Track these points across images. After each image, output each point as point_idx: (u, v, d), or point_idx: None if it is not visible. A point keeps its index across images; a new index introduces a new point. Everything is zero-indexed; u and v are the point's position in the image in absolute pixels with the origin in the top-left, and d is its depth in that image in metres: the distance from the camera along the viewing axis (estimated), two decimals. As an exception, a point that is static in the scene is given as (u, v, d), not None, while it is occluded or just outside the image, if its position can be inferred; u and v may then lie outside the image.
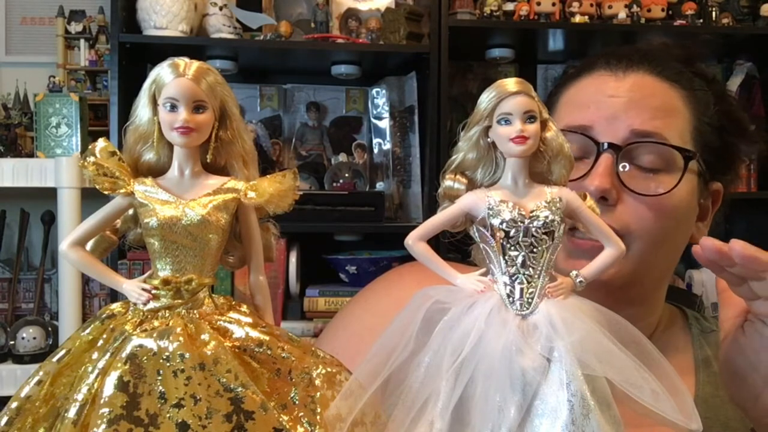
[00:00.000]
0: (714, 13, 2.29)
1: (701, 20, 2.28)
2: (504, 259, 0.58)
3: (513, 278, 0.58)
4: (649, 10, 2.23)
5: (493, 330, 0.55)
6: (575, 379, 0.53)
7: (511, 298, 0.57)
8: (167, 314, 0.56)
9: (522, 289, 0.57)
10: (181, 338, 0.54)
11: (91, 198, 1.87)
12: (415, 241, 0.59)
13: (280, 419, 0.54)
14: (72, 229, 0.59)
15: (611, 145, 0.85)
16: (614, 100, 0.89)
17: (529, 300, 0.57)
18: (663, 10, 2.23)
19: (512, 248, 0.58)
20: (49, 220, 2.21)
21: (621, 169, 0.86)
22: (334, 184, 2.27)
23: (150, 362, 0.54)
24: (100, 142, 0.58)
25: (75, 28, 2.35)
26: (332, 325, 1.05)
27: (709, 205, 0.95)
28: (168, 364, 0.54)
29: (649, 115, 0.88)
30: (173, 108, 0.56)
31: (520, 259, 0.58)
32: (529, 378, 0.54)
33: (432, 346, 0.56)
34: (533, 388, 0.54)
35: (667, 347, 0.93)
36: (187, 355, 0.54)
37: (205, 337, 0.55)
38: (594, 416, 0.53)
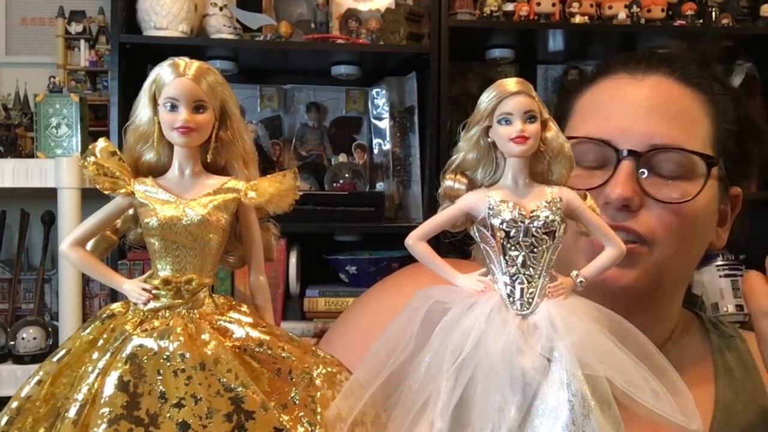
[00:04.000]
0: (714, 14, 2.29)
1: (701, 20, 2.27)
2: (504, 259, 0.58)
3: (513, 278, 0.58)
4: (648, 11, 2.22)
5: (493, 330, 0.55)
6: (575, 379, 0.53)
7: (511, 298, 0.57)
8: (167, 314, 0.56)
9: (522, 289, 0.57)
10: (181, 338, 0.54)
11: (91, 198, 1.87)
12: (415, 241, 0.59)
13: (281, 419, 0.54)
14: (72, 230, 0.59)
15: (631, 152, 0.84)
16: (634, 108, 0.87)
17: (530, 300, 0.57)
18: (663, 10, 2.23)
19: (512, 248, 0.58)
20: (50, 220, 2.21)
21: (641, 176, 0.84)
22: (334, 185, 2.27)
23: (150, 362, 0.54)
24: (101, 142, 0.58)
25: (75, 28, 2.35)
26: (342, 321, 1.04)
27: (729, 210, 0.93)
28: (168, 363, 0.54)
29: (669, 122, 0.86)
30: (173, 108, 0.56)
31: (520, 259, 0.58)
32: (530, 378, 0.54)
33: (432, 346, 0.56)
34: (533, 388, 0.54)
35: (684, 353, 0.92)
36: (187, 355, 0.54)
37: (205, 336, 0.55)
38: (594, 416, 0.53)
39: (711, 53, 0.97)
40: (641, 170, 0.84)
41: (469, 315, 0.57)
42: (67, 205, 1.87)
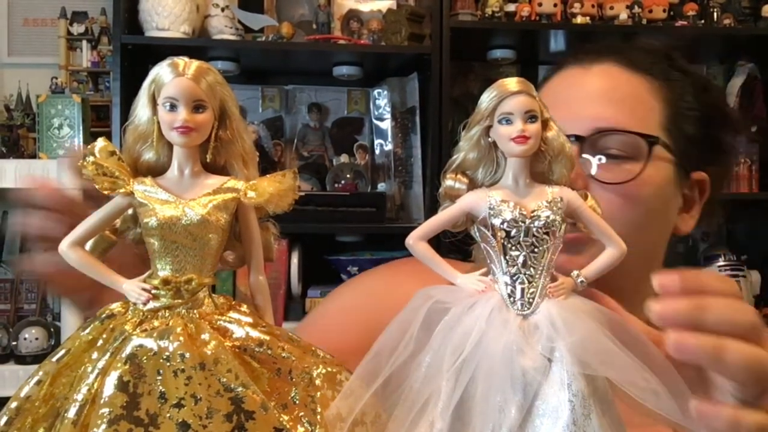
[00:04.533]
0: (715, 14, 2.29)
1: (702, 21, 2.27)
2: (505, 258, 0.58)
3: (514, 278, 0.58)
4: (650, 11, 2.23)
5: (494, 330, 0.55)
6: (576, 379, 0.53)
7: (512, 298, 0.57)
8: (167, 314, 0.56)
9: (523, 289, 0.57)
10: (181, 338, 0.54)
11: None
12: (416, 240, 0.59)
13: (281, 419, 0.54)
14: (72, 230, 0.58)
15: (575, 137, 0.85)
16: (578, 93, 0.90)
17: (530, 300, 0.57)
18: (664, 10, 2.23)
19: (513, 248, 0.58)
20: (51, 221, 2.21)
21: (591, 162, 0.85)
22: (336, 185, 2.27)
23: (150, 362, 0.54)
24: (100, 142, 0.58)
25: (77, 29, 2.36)
26: (317, 308, 1.06)
27: (696, 196, 0.93)
28: (168, 363, 0.54)
29: (614, 106, 0.87)
30: (173, 107, 0.56)
31: (521, 259, 0.57)
32: (530, 378, 0.54)
33: (433, 346, 0.56)
34: (534, 389, 0.54)
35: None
36: (187, 355, 0.54)
37: (205, 336, 0.55)
38: (595, 416, 0.53)
39: (675, 46, 0.99)
40: (587, 155, 0.85)
41: (470, 315, 0.56)
42: (69, 205, 1.87)
